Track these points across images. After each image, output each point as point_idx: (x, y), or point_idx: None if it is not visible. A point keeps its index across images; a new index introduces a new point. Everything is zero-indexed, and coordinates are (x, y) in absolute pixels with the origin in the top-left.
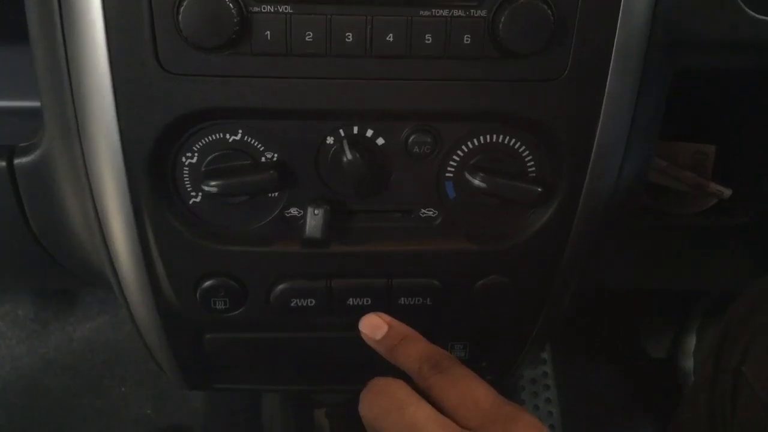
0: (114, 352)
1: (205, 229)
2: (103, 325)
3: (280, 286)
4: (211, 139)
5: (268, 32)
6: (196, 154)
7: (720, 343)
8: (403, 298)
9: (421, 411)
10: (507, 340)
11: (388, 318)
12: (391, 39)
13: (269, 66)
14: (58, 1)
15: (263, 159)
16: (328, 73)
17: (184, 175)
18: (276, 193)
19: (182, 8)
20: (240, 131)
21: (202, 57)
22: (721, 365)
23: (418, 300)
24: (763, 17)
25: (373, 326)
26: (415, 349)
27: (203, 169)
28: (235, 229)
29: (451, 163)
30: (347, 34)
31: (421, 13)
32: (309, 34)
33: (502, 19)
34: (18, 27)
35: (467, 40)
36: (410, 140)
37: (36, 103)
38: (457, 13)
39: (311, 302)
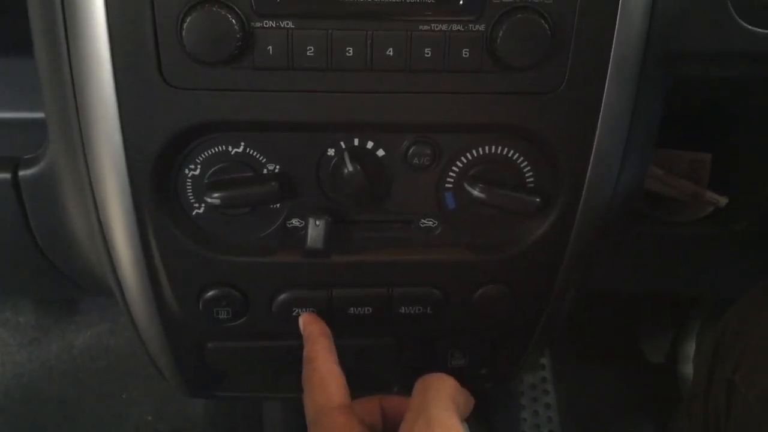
0: (115, 358)
1: (207, 240)
2: (104, 332)
3: (282, 296)
4: (213, 151)
5: (270, 47)
6: (198, 166)
7: (713, 353)
8: (403, 307)
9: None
10: (506, 347)
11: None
12: (391, 53)
13: (271, 80)
14: (62, 15)
15: (265, 171)
16: (329, 87)
17: (187, 187)
18: (278, 205)
19: (186, 23)
20: (242, 143)
21: (204, 71)
22: (715, 374)
23: (419, 309)
24: (757, 29)
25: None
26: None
27: (206, 180)
28: (237, 240)
29: (451, 174)
30: (348, 48)
31: (420, 27)
32: (310, 49)
33: (500, 34)
34: (23, 39)
35: (466, 54)
36: (410, 152)
37: (40, 115)
38: (455, 27)
39: (313, 311)
